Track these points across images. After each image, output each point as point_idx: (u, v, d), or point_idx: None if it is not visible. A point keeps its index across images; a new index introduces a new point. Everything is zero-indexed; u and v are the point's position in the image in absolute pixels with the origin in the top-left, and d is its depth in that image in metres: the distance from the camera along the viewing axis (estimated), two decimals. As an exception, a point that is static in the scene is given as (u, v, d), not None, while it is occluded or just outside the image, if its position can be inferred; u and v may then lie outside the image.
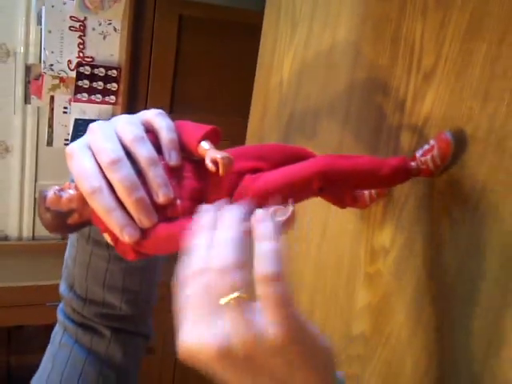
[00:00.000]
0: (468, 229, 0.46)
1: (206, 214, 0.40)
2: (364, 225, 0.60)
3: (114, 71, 1.87)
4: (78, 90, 1.86)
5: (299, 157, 0.48)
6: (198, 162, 0.46)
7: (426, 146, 0.49)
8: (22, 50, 2.04)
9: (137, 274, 0.64)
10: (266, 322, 0.34)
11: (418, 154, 0.50)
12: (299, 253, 0.71)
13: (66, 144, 2.02)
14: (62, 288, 0.65)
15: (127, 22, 1.76)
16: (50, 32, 1.83)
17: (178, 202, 0.44)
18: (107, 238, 0.47)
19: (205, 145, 0.44)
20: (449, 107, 0.49)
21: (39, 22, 1.92)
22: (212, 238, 0.38)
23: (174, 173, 0.45)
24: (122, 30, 1.85)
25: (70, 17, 1.84)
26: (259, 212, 0.38)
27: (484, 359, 0.44)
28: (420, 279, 0.52)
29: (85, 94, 1.87)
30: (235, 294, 0.35)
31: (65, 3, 1.83)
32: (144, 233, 0.45)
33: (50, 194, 0.46)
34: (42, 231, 2.21)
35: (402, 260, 0.54)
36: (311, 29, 0.72)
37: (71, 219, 0.47)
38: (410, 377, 0.52)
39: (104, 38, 1.88)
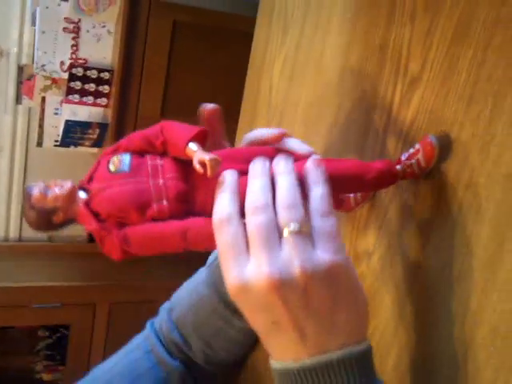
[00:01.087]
0: (450, 231, 0.47)
1: (257, 163, 0.43)
2: (348, 228, 0.60)
3: (107, 73, 1.87)
4: (70, 91, 1.86)
5: None
6: (185, 163, 0.46)
7: (411, 150, 0.50)
8: (15, 51, 2.04)
9: (237, 346, 0.66)
10: (323, 249, 0.38)
11: (404, 157, 0.50)
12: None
13: (56, 145, 2.01)
14: (165, 309, 0.67)
15: (121, 26, 1.76)
16: (43, 33, 1.83)
17: (165, 202, 0.45)
18: (95, 236, 0.47)
19: (193, 146, 0.44)
20: (434, 111, 0.49)
21: (33, 23, 1.92)
22: (267, 183, 0.41)
23: (160, 174, 0.46)
24: (116, 33, 1.85)
25: (65, 18, 1.84)
26: (309, 162, 0.43)
27: (464, 358, 0.44)
28: (403, 280, 0.52)
29: (76, 96, 1.87)
30: (297, 227, 0.38)
31: (59, 5, 1.83)
32: (130, 232, 0.45)
33: (36, 191, 0.46)
34: (29, 232, 2.20)
35: (386, 262, 0.54)
36: (302, 33, 0.72)
37: (56, 217, 0.47)
38: (391, 374, 0.52)
39: (98, 40, 1.88)
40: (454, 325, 0.45)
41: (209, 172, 0.42)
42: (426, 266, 0.49)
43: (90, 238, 2.23)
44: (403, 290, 0.52)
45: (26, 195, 0.47)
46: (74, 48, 1.87)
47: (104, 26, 1.88)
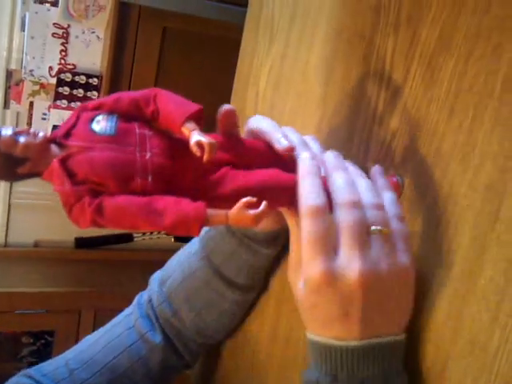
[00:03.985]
0: (430, 240, 0.47)
1: (331, 155, 0.45)
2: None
3: (95, 79, 1.87)
4: (58, 96, 1.86)
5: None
6: (173, 140, 0.43)
7: None
8: (4, 55, 2.03)
9: (229, 317, 0.67)
10: (402, 252, 0.41)
11: None
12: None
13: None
14: (157, 280, 0.67)
15: (110, 32, 1.76)
16: (32, 38, 1.83)
17: (150, 179, 0.42)
18: (63, 200, 0.42)
19: (190, 125, 0.42)
20: (416, 121, 0.50)
21: (23, 28, 1.91)
22: (351, 178, 0.43)
23: (148, 146, 0.42)
24: (105, 39, 1.85)
25: (54, 24, 1.84)
26: (375, 168, 0.46)
27: (443, 368, 0.44)
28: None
29: (64, 101, 1.86)
30: (381, 228, 0.40)
31: (49, 10, 1.83)
32: (107, 202, 0.41)
33: (6, 134, 0.40)
34: (15, 238, 2.18)
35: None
36: (288, 42, 0.73)
37: (22, 168, 0.41)
38: None
39: (87, 46, 1.88)
40: (434, 334, 0.45)
41: (206, 156, 0.40)
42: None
43: (77, 244, 2.21)
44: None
45: None
46: (63, 53, 1.86)
47: (93, 32, 1.88)
